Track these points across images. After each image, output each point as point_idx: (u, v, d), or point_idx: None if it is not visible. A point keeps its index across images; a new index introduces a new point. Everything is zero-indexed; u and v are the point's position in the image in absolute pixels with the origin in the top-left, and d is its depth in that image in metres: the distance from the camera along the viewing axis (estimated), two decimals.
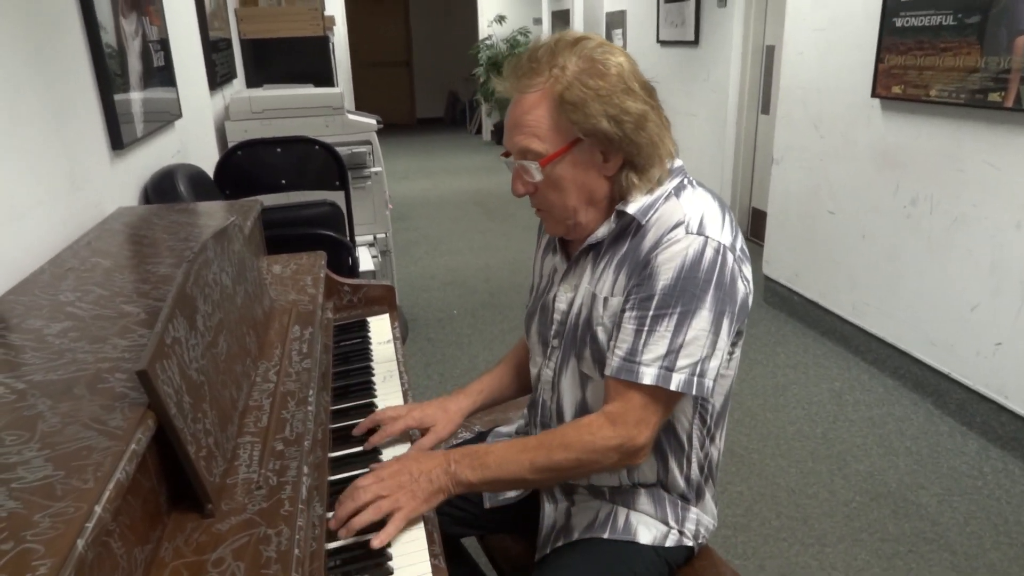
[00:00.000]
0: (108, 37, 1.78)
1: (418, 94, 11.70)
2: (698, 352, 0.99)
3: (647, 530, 1.13)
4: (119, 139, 1.80)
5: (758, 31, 4.46)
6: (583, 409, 1.14)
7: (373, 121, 3.37)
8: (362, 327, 1.70)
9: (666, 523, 1.14)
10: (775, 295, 3.63)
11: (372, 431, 1.19)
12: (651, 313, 1.00)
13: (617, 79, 1.00)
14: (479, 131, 10.11)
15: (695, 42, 4.95)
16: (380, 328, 1.70)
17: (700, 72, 4.90)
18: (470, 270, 4.41)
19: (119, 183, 1.84)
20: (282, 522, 0.81)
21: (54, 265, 1.29)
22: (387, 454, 1.18)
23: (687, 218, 1.02)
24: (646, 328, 1.00)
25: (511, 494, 1.30)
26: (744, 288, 1.04)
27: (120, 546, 0.67)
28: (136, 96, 1.96)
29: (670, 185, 1.06)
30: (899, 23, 2.62)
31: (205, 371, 0.93)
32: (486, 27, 9.13)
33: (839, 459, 2.38)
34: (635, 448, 1.00)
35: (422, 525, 1.00)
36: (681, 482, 1.15)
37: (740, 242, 1.05)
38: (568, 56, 1.00)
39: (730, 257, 1.01)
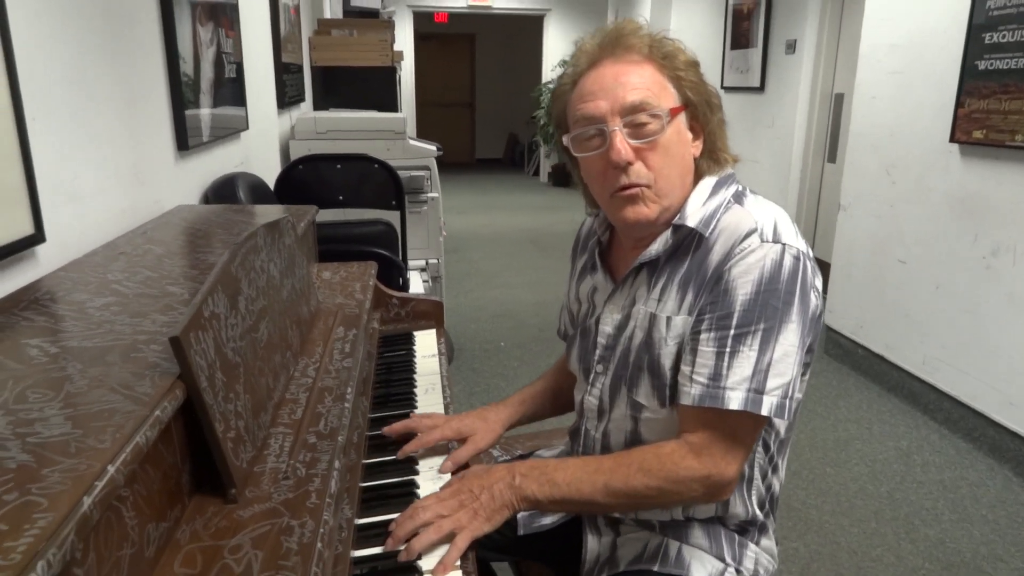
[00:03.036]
0: (184, 41, 1.82)
1: (478, 134, 11.90)
2: (788, 371, 0.91)
3: (701, 565, 1.02)
4: (185, 140, 1.83)
5: (827, 78, 4.37)
6: (634, 442, 1.05)
7: (433, 148, 3.39)
8: (407, 340, 1.66)
9: (722, 559, 1.03)
10: (837, 347, 3.46)
11: (407, 438, 1.13)
12: (732, 332, 0.91)
13: (697, 67, 1.00)
14: (536, 173, 10.18)
15: (760, 88, 4.88)
16: (426, 342, 1.66)
17: (764, 118, 4.82)
18: (521, 304, 4.36)
19: (181, 184, 1.86)
20: (307, 514, 0.75)
21: (108, 248, 1.28)
22: (423, 467, 1.12)
23: (759, 225, 0.94)
24: (728, 349, 0.91)
25: (547, 520, 1.21)
26: (816, 300, 0.95)
27: (132, 516, 0.62)
28: (205, 101, 2.00)
29: (728, 192, 1.00)
30: (982, 66, 2.51)
31: (242, 353, 0.89)
32: (549, 71, 9.25)
33: (906, 522, 2.20)
34: (723, 482, 0.92)
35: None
36: (740, 516, 1.05)
37: (810, 251, 0.97)
38: (652, 40, 0.99)
39: (809, 265, 0.94)
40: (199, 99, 1.95)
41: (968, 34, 2.56)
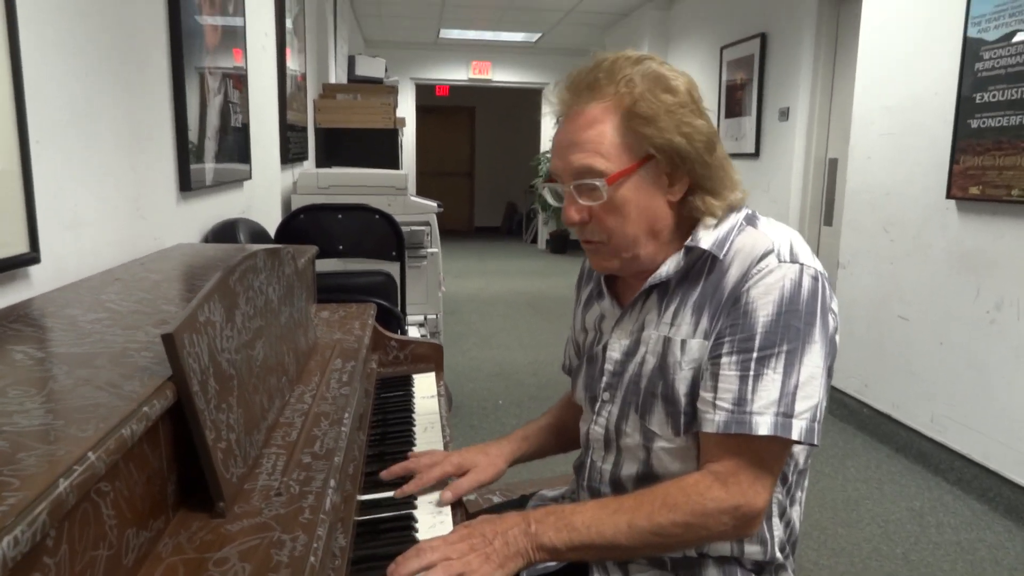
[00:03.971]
0: (191, 85, 1.85)
1: (477, 203, 12.06)
2: (816, 393, 0.87)
3: None
4: (187, 181, 1.83)
5: (820, 144, 4.46)
6: (646, 474, 1.00)
7: (434, 204, 3.42)
8: (406, 382, 1.62)
9: None
10: (842, 407, 3.40)
11: (405, 479, 1.08)
12: (755, 355, 0.88)
13: (687, 96, 0.93)
14: (534, 240, 10.27)
15: (755, 154, 4.98)
16: (425, 384, 1.61)
17: (760, 183, 4.89)
18: (518, 364, 4.30)
19: (183, 223, 1.85)
20: (300, 529, 0.70)
21: (104, 275, 1.26)
22: (421, 501, 1.06)
23: (776, 246, 0.92)
24: (752, 372, 0.87)
25: (552, 561, 1.14)
26: (834, 322, 0.93)
27: (112, 516, 0.57)
28: (210, 146, 2.02)
29: (739, 216, 0.97)
30: (975, 124, 2.55)
31: (237, 366, 0.85)
32: (547, 141, 9.47)
33: None
34: (753, 512, 0.87)
35: None
36: (758, 555, 0.98)
37: (826, 272, 0.95)
38: (632, 71, 0.93)
39: (826, 286, 0.92)
40: (204, 143, 1.97)
41: (959, 95, 2.62)
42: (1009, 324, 2.46)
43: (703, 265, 0.96)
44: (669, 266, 0.97)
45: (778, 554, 0.99)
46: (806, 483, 1.04)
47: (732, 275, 0.93)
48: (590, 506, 0.90)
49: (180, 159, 1.80)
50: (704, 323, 0.94)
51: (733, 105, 5.33)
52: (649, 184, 0.94)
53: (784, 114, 4.64)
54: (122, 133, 1.49)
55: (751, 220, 0.98)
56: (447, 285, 5.98)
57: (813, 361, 0.87)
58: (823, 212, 4.45)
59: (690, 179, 0.94)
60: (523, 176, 10.49)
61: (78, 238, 1.28)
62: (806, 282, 0.89)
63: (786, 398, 0.86)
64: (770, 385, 0.87)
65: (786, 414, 0.86)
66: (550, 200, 1.02)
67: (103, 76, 1.41)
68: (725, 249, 0.94)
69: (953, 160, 2.66)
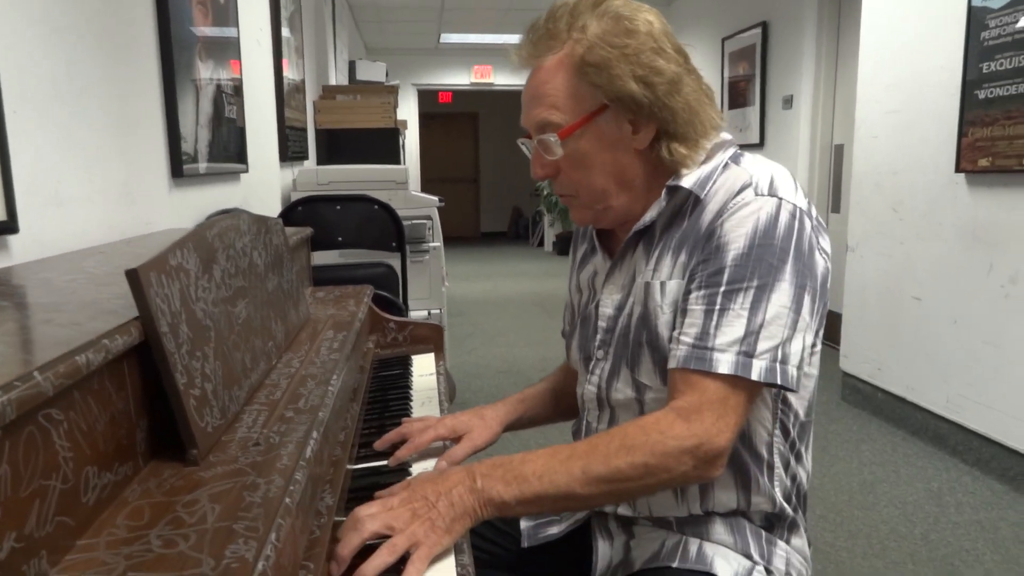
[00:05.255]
0: (182, 69, 1.83)
1: (483, 209, 12.06)
2: (779, 333, 0.82)
3: (726, 562, 0.91)
4: (179, 168, 1.81)
5: (825, 130, 4.41)
6: None
7: (435, 199, 3.39)
8: (404, 361, 1.58)
9: (749, 556, 0.92)
10: (856, 392, 3.33)
11: (398, 447, 1.04)
12: (722, 289, 0.84)
13: (647, 36, 0.87)
14: (541, 243, 10.24)
15: (760, 144, 4.93)
16: (424, 364, 1.58)
17: None
18: (526, 361, 4.26)
19: (175, 210, 1.83)
20: (276, 473, 0.66)
21: (87, 249, 1.23)
22: (416, 469, 1.02)
23: (754, 180, 0.88)
24: (717, 307, 0.84)
25: (554, 530, 1.10)
26: (823, 262, 0.88)
27: (67, 447, 0.54)
28: (203, 133, 2.00)
29: (725, 156, 0.93)
30: (982, 95, 2.50)
31: (215, 319, 0.82)
32: None
33: (946, 563, 2.03)
34: (715, 451, 0.80)
35: (452, 562, 0.77)
36: (766, 509, 0.94)
37: (814, 210, 0.90)
38: (590, 17, 0.88)
39: (808, 223, 0.87)
40: (197, 131, 1.94)
41: (965, 65, 2.57)
42: None
43: (687, 206, 0.92)
44: (652, 211, 0.93)
45: (786, 507, 0.95)
46: (811, 438, 0.99)
47: (710, 211, 0.89)
48: (542, 454, 0.82)
49: (171, 144, 1.78)
50: (682, 260, 0.90)
51: (736, 96, 5.29)
52: (610, 134, 0.90)
53: (788, 102, 4.59)
54: (111, 114, 1.47)
55: (736, 159, 0.93)
56: (452, 287, 5.95)
57: (781, 300, 0.83)
58: (830, 198, 4.40)
59: (655, 125, 0.90)
60: (528, 180, 10.44)
61: (63, 214, 1.26)
62: (783, 217, 0.85)
63: (750, 337, 0.82)
64: (735, 321, 0.82)
65: (748, 353, 0.81)
66: (526, 153, 0.99)
67: (90, 54, 1.39)
68: (707, 188, 0.90)
69: (961, 133, 2.61)
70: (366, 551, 0.73)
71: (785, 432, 0.94)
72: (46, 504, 0.50)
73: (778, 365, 0.82)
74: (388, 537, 0.74)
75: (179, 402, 0.67)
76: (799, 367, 0.84)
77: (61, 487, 0.53)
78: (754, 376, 0.81)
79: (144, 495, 0.62)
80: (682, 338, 0.85)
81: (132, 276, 0.65)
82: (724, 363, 0.82)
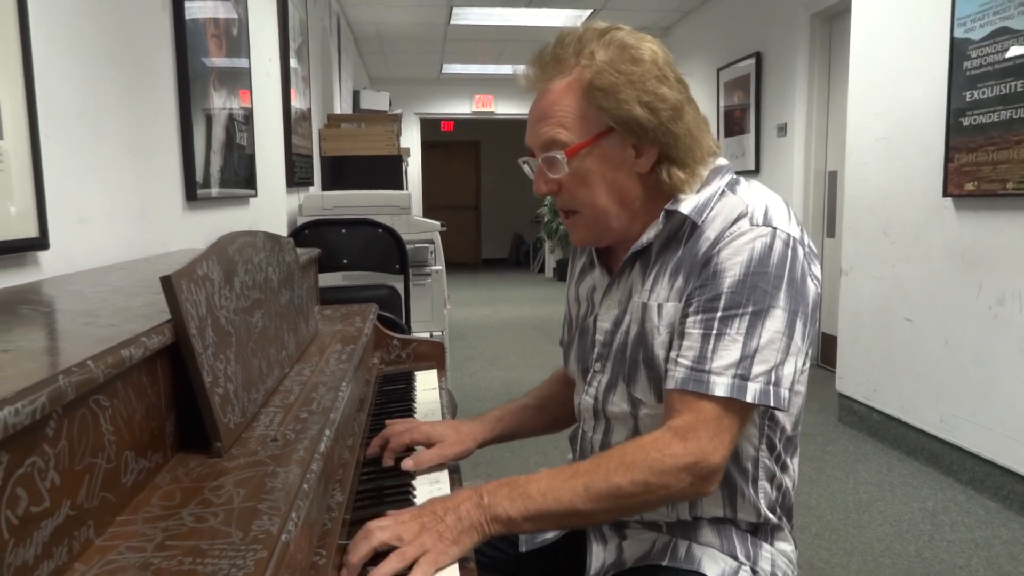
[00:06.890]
0: (197, 98, 1.92)
1: (484, 236, 12.16)
2: (773, 357, 0.88)
3: (713, 563, 0.96)
4: (193, 192, 1.88)
5: (819, 157, 4.51)
6: None
7: (437, 223, 3.47)
8: (408, 377, 1.64)
9: (735, 557, 0.97)
10: (851, 413, 3.37)
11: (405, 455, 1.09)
12: (719, 315, 0.89)
13: (651, 65, 0.93)
14: (541, 269, 10.32)
15: (756, 170, 5.03)
16: (426, 379, 1.63)
17: None
18: (526, 383, 4.28)
19: (190, 232, 1.90)
20: (294, 463, 0.72)
21: (109, 266, 1.30)
22: (420, 479, 1.07)
23: (750, 209, 0.93)
24: (714, 331, 0.89)
25: (550, 535, 1.14)
26: (814, 288, 0.93)
27: (111, 431, 0.60)
28: (215, 158, 2.08)
29: (721, 183, 0.98)
30: (966, 122, 2.59)
31: (235, 326, 0.88)
32: None
33: None
34: (710, 468, 0.86)
35: (457, 570, 0.81)
36: (751, 519, 0.99)
37: (807, 238, 0.96)
38: (597, 45, 0.94)
39: (800, 251, 0.92)
40: (209, 156, 2.03)
41: (949, 94, 2.66)
42: (1012, 318, 2.46)
43: (684, 231, 0.97)
44: (650, 232, 0.98)
45: (771, 516, 1.00)
46: (797, 448, 1.04)
47: (707, 239, 0.94)
48: (545, 474, 0.87)
49: (186, 169, 1.85)
50: (679, 285, 0.95)
51: (732, 125, 5.40)
52: (614, 155, 0.95)
53: (782, 130, 4.70)
54: (131, 139, 1.55)
55: (732, 186, 0.98)
56: (454, 312, 6.01)
57: (774, 326, 0.88)
58: (825, 223, 4.48)
59: (657, 149, 0.95)
60: (529, 207, 10.59)
61: (86, 232, 1.33)
62: (777, 246, 0.90)
63: (745, 361, 0.87)
64: (731, 345, 0.87)
65: (743, 376, 0.86)
66: (528, 173, 1.05)
67: (113, 84, 1.47)
68: (704, 215, 0.95)
69: (947, 159, 2.69)
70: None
71: (771, 447, 0.99)
72: (94, 479, 0.56)
73: (771, 388, 0.88)
74: (396, 548, 0.78)
75: (205, 397, 0.74)
76: (791, 388, 0.90)
77: (106, 466, 0.59)
78: (749, 398, 0.87)
79: (174, 481, 0.68)
80: (680, 360, 0.90)
81: (166, 282, 0.72)
82: (720, 386, 0.87)
